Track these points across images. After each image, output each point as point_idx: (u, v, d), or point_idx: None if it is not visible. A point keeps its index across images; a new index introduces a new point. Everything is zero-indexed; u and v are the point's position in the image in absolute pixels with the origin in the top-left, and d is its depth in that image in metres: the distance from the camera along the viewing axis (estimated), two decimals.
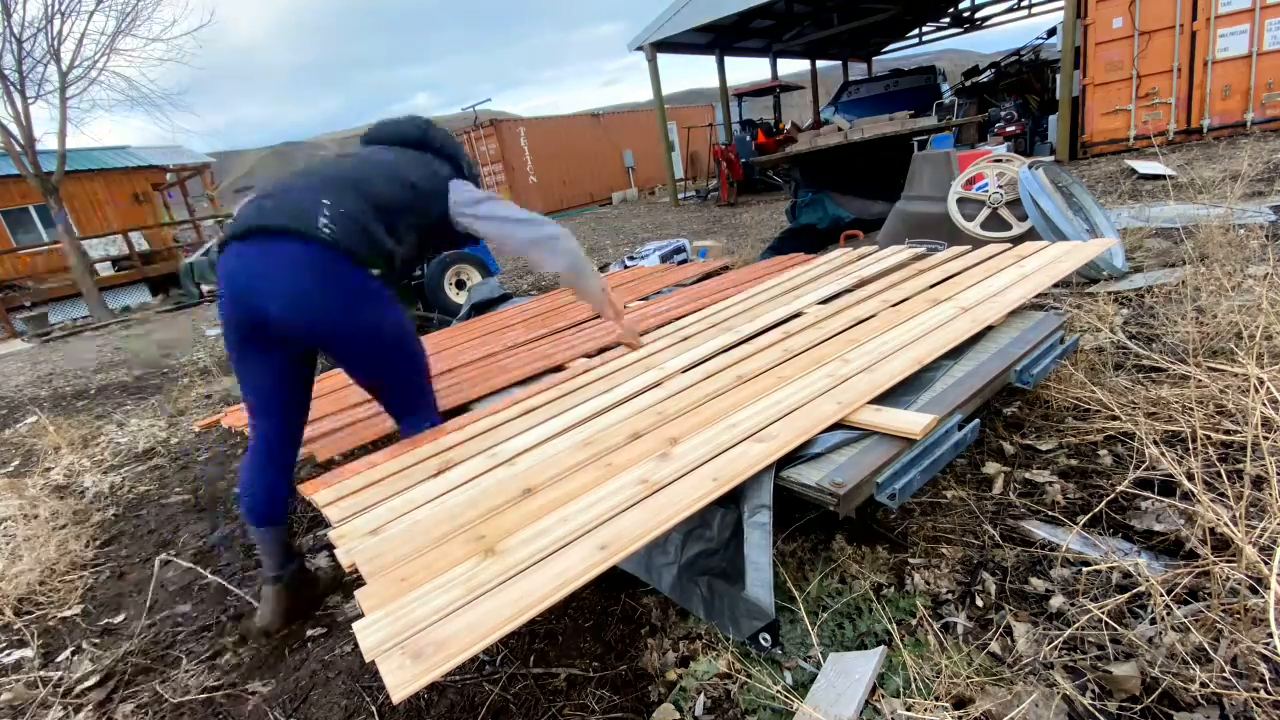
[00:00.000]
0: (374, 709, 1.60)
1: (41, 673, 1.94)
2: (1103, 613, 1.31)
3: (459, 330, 3.95)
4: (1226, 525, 1.27)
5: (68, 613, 2.29)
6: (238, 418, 2.85)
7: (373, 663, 1.05)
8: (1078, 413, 2.21)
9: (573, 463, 1.64)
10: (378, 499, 1.66)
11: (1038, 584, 1.53)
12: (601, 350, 2.76)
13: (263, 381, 1.87)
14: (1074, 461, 1.98)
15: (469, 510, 1.49)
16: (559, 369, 2.65)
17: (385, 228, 1.86)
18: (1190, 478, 1.43)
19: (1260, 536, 1.29)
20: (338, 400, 2.82)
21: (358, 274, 1.78)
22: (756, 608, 1.38)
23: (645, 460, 1.56)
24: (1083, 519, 1.58)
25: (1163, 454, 1.54)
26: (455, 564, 1.27)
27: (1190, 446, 1.69)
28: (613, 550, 1.22)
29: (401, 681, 0.98)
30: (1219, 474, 1.55)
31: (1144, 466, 1.73)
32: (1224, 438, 1.81)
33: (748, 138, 14.50)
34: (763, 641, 1.40)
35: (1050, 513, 1.75)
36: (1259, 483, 1.54)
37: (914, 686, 1.30)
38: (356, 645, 1.51)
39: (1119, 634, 1.30)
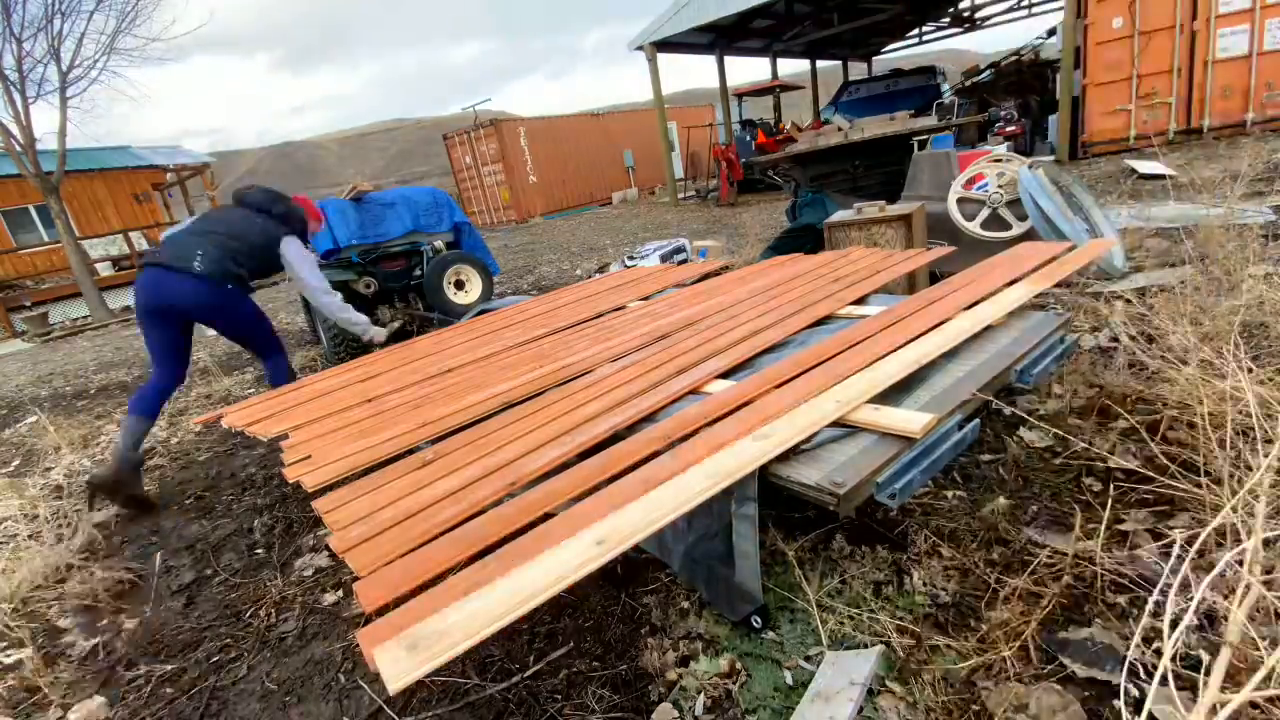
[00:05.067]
0: (379, 703, 1.60)
1: (41, 673, 1.94)
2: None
3: (460, 330, 3.94)
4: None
5: (67, 612, 2.29)
6: (238, 417, 2.84)
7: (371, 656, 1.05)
8: (1078, 413, 2.21)
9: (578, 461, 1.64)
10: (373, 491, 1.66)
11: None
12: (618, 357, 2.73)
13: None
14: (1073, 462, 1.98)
15: (463, 503, 1.49)
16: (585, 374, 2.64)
17: (233, 261, 3.20)
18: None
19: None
20: (317, 408, 2.80)
21: (223, 292, 3.16)
22: (747, 593, 1.51)
23: (649, 462, 1.56)
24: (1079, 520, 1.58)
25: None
26: (454, 559, 1.27)
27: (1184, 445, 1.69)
28: (609, 545, 1.22)
29: (398, 672, 0.97)
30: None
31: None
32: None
33: (748, 138, 14.49)
34: (754, 623, 1.53)
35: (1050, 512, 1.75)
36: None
37: (912, 684, 1.30)
38: (354, 641, 1.52)
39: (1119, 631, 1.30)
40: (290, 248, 3.39)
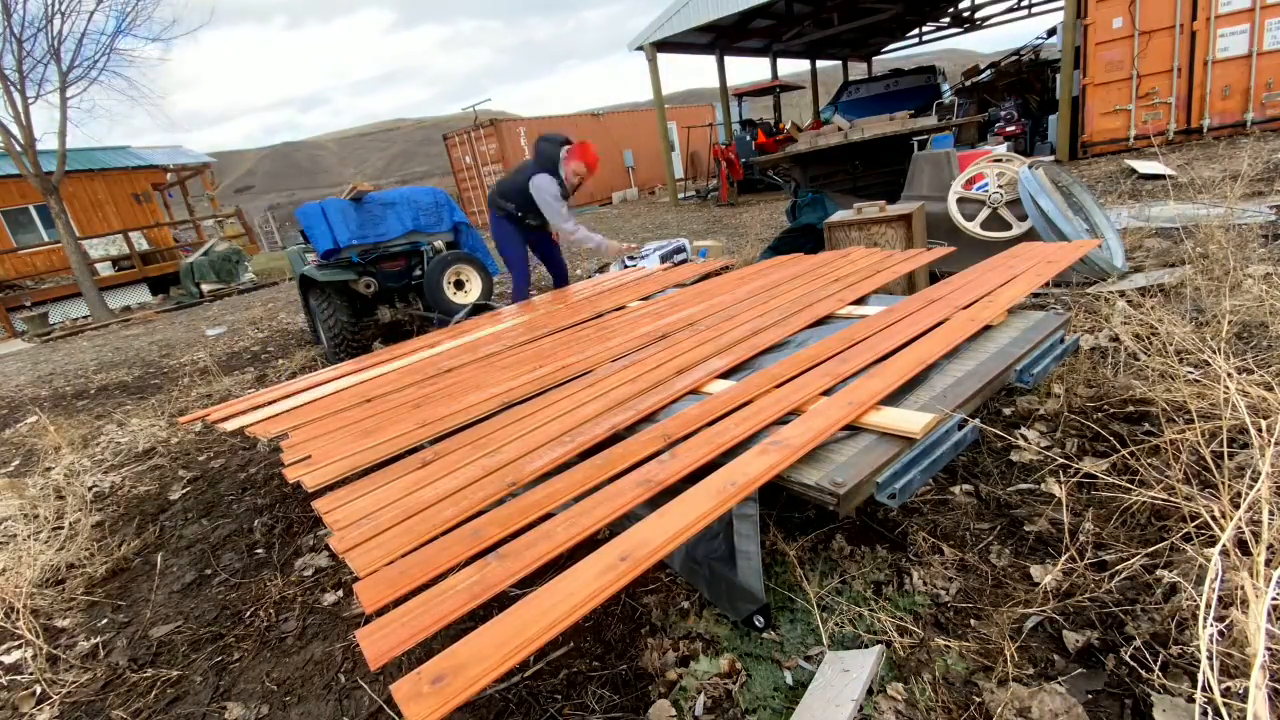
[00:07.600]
0: (379, 703, 1.60)
1: (41, 672, 1.94)
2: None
3: (459, 330, 3.94)
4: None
5: (68, 612, 2.29)
6: (243, 420, 2.83)
7: (379, 669, 1.05)
8: (1079, 413, 2.21)
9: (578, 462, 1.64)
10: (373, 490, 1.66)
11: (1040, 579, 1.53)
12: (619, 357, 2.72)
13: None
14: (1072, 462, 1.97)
15: (463, 503, 1.49)
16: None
17: (500, 195, 4.45)
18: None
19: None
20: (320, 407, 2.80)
21: (492, 214, 4.57)
22: (748, 593, 1.52)
23: (649, 462, 1.56)
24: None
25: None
26: (456, 559, 1.27)
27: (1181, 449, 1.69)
28: (634, 561, 1.19)
29: (422, 712, 0.94)
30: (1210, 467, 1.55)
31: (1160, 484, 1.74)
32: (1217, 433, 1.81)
33: (748, 138, 14.50)
34: (757, 623, 1.53)
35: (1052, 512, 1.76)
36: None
37: (912, 684, 1.30)
38: (355, 641, 1.52)
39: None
40: (534, 180, 4.18)
